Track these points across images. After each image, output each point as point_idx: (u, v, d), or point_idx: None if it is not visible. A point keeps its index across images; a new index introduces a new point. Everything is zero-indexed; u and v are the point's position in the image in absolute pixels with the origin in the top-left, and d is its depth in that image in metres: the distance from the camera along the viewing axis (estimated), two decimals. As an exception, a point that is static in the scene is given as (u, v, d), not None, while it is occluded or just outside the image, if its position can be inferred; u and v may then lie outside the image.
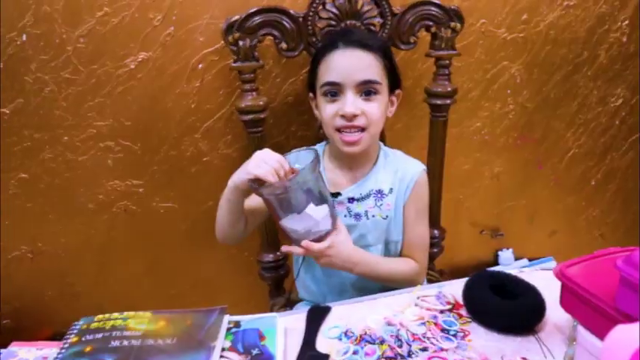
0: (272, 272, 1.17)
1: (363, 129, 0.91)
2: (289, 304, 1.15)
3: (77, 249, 1.28)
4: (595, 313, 0.54)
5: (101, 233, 1.28)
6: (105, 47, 1.11)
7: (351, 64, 0.90)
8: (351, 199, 0.99)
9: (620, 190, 1.67)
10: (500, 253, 1.64)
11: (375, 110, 0.92)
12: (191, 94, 1.19)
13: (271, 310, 1.17)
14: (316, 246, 0.84)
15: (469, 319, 0.72)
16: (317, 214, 0.82)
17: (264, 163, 0.82)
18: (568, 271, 0.58)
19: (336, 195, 0.98)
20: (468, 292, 0.73)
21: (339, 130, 0.92)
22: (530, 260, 1.67)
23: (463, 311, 0.73)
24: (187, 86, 1.18)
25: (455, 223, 1.56)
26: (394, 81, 0.97)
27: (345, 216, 0.99)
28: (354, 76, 0.90)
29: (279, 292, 1.21)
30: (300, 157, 0.94)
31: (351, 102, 0.90)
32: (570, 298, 0.58)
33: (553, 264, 1.70)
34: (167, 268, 1.36)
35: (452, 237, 1.56)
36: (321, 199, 0.83)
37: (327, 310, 0.76)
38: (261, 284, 1.24)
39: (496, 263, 1.65)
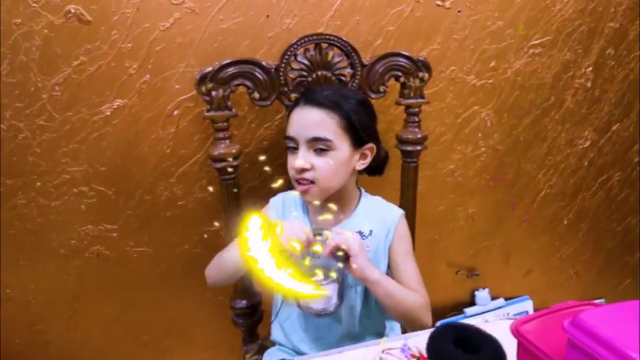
0: (245, 318, 1.17)
1: (312, 181, 0.95)
2: (262, 351, 1.14)
3: (48, 295, 1.26)
4: (548, 372, 0.55)
5: (73, 279, 1.26)
6: (80, 95, 1.12)
7: (303, 121, 0.95)
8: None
9: (592, 229, 1.71)
10: (476, 292, 1.65)
11: (324, 165, 0.94)
12: (166, 140, 1.21)
13: (244, 358, 1.16)
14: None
15: (433, 373, 0.72)
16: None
17: (293, 234, 0.87)
18: (523, 328, 0.59)
19: (319, 234, 0.99)
20: (431, 345, 0.73)
21: (295, 180, 0.97)
22: (506, 299, 1.69)
23: (427, 364, 0.74)
24: (162, 132, 1.20)
25: (431, 264, 1.57)
26: (358, 136, 0.98)
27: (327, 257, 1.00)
28: (305, 132, 0.94)
29: (252, 338, 1.20)
30: (286, 200, 1.02)
31: (301, 156, 0.94)
32: (525, 355, 0.59)
33: (529, 303, 1.72)
34: (140, 314, 1.34)
35: (428, 277, 1.55)
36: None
37: (292, 364, 0.76)
38: (235, 329, 1.23)
39: (473, 303, 1.66)
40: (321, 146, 0.94)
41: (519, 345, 0.60)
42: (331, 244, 0.88)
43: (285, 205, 1.09)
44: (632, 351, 0.45)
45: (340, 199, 1.03)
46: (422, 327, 0.96)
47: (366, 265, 0.91)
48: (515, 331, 0.59)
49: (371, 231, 1.03)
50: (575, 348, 0.50)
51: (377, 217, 1.05)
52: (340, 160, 0.96)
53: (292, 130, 0.96)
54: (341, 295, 0.90)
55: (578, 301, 0.68)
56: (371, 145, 1.02)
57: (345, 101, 0.96)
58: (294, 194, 1.09)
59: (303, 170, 0.94)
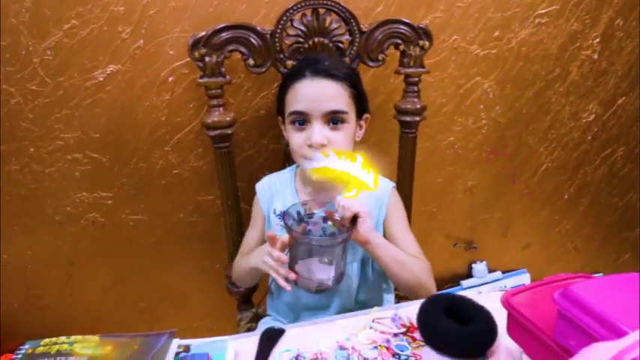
0: (239, 287, 1.17)
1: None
2: (257, 319, 1.15)
3: (44, 261, 1.26)
4: (537, 343, 0.55)
5: (68, 245, 1.26)
6: (72, 59, 1.10)
7: (318, 94, 0.91)
8: (325, 219, 0.99)
9: (592, 204, 1.69)
10: (474, 265, 1.65)
11: (342, 139, 0.93)
12: (161, 107, 1.19)
13: (238, 325, 1.17)
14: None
15: (422, 343, 0.72)
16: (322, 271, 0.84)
17: (266, 265, 0.87)
18: (513, 300, 0.58)
19: (310, 215, 0.98)
20: (421, 315, 0.73)
21: (306, 157, 0.93)
22: (504, 272, 1.69)
23: (417, 334, 0.74)
24: (157, 99, 1.18)
25: (429, 236, 1.57)
26: (362, 107, 0.98)
27: (321, 236, 0.99)
28: (321, 106, 0.90)
29: (246, 306, 1.20)
30: (272, 184, 0.99)
31: (317, 132, 0.90)
32: (515, 326, 0.58)
33: (527, 276, 1.72)
34: (136, 281, 1.35)
35: (425, 249, 1.54)
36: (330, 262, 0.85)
37: (281, 332, 0.76)
38: (230, 297, 1.23)
39: (470, 275, 1.66)
40: (337, 119, 0.92)
41: (509, 316, 0.59)
42: (346, 214, 0.85)
43: (273, 189, 1.07)
44: (621, 322, 0.44)
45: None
46: (425, 292, 0.95)
47: (372, 228, 0.90)
48: (506, 302, 0.59)
49: None
50: (565, 319, 0.49)
51: (368, 193, 1.02)
52: (351, 132, 0.96)
53: (302, 104, 0.91)
54: (339, 271, 0.88)
55: (570, 274, 0.67)
56: (367, 115, 1.01)
57: (349, 71, 0.95)
58: (279, 177, 1.08)
59: (321, 146, 0.91)
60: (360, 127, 1.01)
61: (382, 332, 0.74)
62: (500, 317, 0.71)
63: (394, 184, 1.07)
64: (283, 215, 0.85)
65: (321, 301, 1.03)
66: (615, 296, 0.51)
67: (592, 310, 0.48)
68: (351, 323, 0.77)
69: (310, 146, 0.91)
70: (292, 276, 0.83)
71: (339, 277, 0.86)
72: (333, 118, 0.91)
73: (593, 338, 0.48)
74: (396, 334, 0.74)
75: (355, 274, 1.03)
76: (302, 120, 0.93)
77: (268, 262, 0.86)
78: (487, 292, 0.85)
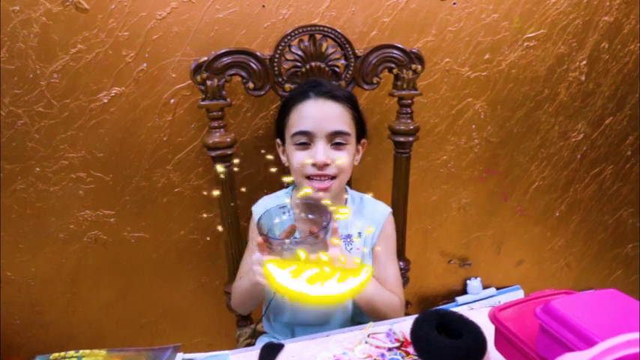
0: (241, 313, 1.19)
1: (332, 177, 0.95)
2: (255, 336, 1.17)
3: (47, 278, 1.29)
4: (522, 356, 0.58)
5: (72, 262, 1.29)
6: (78, 82, 1.14)
7: (322, 114, 0.94)
8: (312, 235, 1.02)
9: (583, 221, 1.73)
10: (468, 282, 1.68)
11: (345, 159, 0.95)
12: (163, 128, 1.22)
13: (237, 341, 1.19)
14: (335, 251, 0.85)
15: (415, 357, 0.75)
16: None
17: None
18: (500, 315, 0.62)
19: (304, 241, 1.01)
20: (415, 330, 0.76)
21: (308, 177, 0.95)
22: (498, 289, 1.71)
23: (411, 349, 0.77)
24: (159, 120, 1.21)
25: (423, 253, 1.60)
26: (361, 130, 1.02)
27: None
28: (326, 126, 0.93)
29: (246, 322, 1.23)
30: (268, 205, 0.99)
31: (322, 151, 0.93)
32: (502, 340, 0.61)
33: (521, 292, 1.75)
34: (137, 298, 1.37)
35: (421, 266, 1.60)
36: None
37: (280, 347, 0.79)
38: (229, 313, 1.26)
39: (465, 292, 1.69)
40: (340, 140, 0.95)
41: (496, 330, 0.63)
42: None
43: (271, 213, 1.09)
44: (596, 335, 0.48)
45: (332, 200, 1.01)
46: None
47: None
48: (493, 317, 0.62)
49: (360, 233, 1.04)
50: (546, 333, 0.52)
51: (365, 218, 1.05)
52: (352, 154, 0.99)
53: (308, 124, 0.94)
54: None
55: (555, 290, 0.70)
56: (364, 140, 1.05)
57: (351, 95, 0.99)
58: (275, 200, 1.09)
59: (325, 165, 0.93)
60: (358, 151, 1.04)
61: (377, 347, 0.77)
62: (490, 332, 0.74)
63: (391, 210, 1.09)
64: (258, 223, 0.84)
65: (318, 319, 1.06)
66: (593, 311, 0.54)
67: (569, 323, 0.51)
68: (347, 338, 0.80)
69: (314, 165, 0.94)
70: None
71: None
72: (337, 139, 0.94)
73: (572, 350, 0.51)
74: (390, 349, 0.77)
75: (351, 301, 1.04)
76: (305, 140, 0.95)
77: (257, 271, 0.84)
78: (479, 308, 0.88)
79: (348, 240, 1.03)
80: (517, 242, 1.69)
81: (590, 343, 0.48)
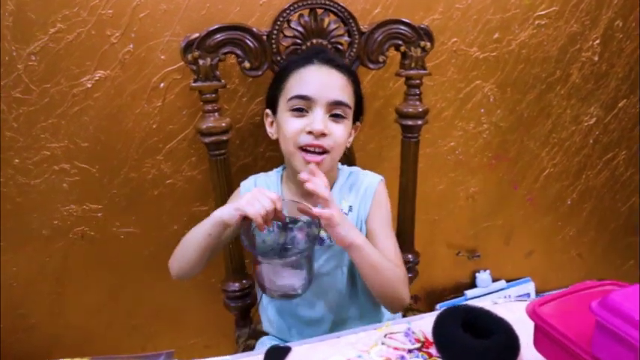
0: (238, 302, 1.11)
1: (326, 151, 0.87)
2: (256, 336, 1.09)
3: (30, 278, 1.20)
4: (571, 357, 0.50)
5: (56, 261, 1.20)
6: (59, 65, 1.05)
7: (325, 80, 0.88)
8: (310, 224, 0.94)
9: (595, 210, 1.66)
10: (477, 274, 1.60)
11: (342, 133, 0.89)
12: (152, 114, 1.14)
13: (237, 342, 1.11)
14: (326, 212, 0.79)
15: (439, 359, 0.67)
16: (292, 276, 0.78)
17: (257, 201, 0.78)
18: (541, 310, 0.54)
19: (295, 222, 0.93)
20: (437, 329, 0.68)
21: (302, 148, 0.87)
22: (507, 281, 1.64)
23: (433, 350, 0.69)
24: (148, 106, 1.13)
25: (431, 245, 1.53)
26: (358, 111, 0.95)
27: (306, 242, 0.94)
28: (328, 93, 0.87)
29: (245, 322, 1.14)
30: (258, 182, 0.96)
31: (320, 119, 0.86)
32: (544, 340, 0.53)
33: (531, 284, 1.68)
34: (128, 297, 1.29)
35: (428, 259, 1.52)
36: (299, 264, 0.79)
37: (287, 350, 0.70)
38: (227, 312, 1.18)
39: (474, 285, 1.62)
40: (339, 112, 0.88)
41: (537, 328, 0.55)
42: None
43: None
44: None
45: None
46: (398, 302, 0.91)
47: (348, 233, 0.83)
48: (533, 313, 0.54)
49: (350, 207, 0.97)
50: (605, 330, 0.44)
51: (355, 190, 0.98)
52: (348, 131, 0.92)
53: (309, 88, 0.87)
54: (310, 275, 0.81)
55: (596, 281, 0.62)
56: (359, 123, 0.99)
57: (353, 70, 0.93)
58: (266, 178, 1.02)
59: (322, 135, 0.85)
60: (351, 133, 0.96)
61: (395, 348, 0.69)
62: (521, 329, 0.66)
63: (382, 178, 1.01)
64: (241, 230, 0.78)
65: (316, 313, 0.98)
66: (654, 304, 0.47)
67: (634, 319, 0.43)
68: (361, 339, 0.72)
69: (310, 133, 0.85)
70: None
71: (308, 283, 0.80)
72: (336, 110, 0.88)
73: (635, 349, 0.44)
74: (410, 350, 0.69)
75: (345, 278, 0.98)
76: (303, 107, 0.87)
77: (262, 201, 0.77)
78: (504, 302, 0.80)
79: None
80: (527, 232, 1.62)
81: (661, 342, 0.41)
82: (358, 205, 0.97)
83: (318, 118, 0.85)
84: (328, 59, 0.90)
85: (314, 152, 0.87)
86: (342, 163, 1.05)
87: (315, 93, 0.86)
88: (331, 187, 0.98)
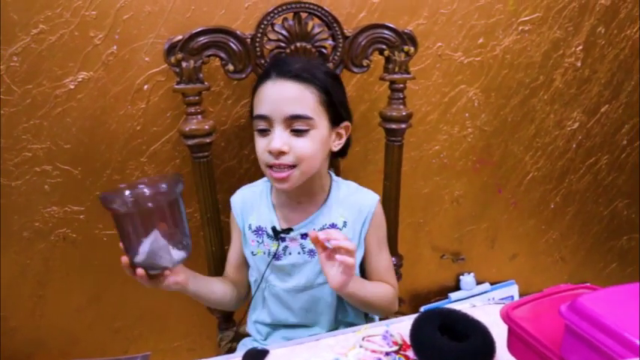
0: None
1: (292, 165, 0.86)
2: (238, 339, 1.09)
3: (11, 281, 1.19)
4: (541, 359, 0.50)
5: (38, 263, 1.19)
6: (41, 66, 1.04)
7: (279, 96, 0.84)
8: (304, 235, 0.94)
9: (579, 213, 1.68)
10: (461, 277, 1.61)
11: (306, 147, 0.85)
12: (136, 116, 1.13)
13: (219, 345, 1.11)
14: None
15: (416, 362, 0.67)
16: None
17: None
18: (514, 314, 0.54)
19: (288, 231, 0.93)
20: (415, 332, 0.68)
21: (269, 166, 0.87)
22: (492, 284, 1.65)
23: (410, 353, 0.69)
24: (132, 108, 1.12)
25: (416, 248, 1.53)
26: (337, 113, 0.90)
27: (299, 253, 0.94)
28: (283, 109, 0.83)
29: (228, 325, 1.14)
30: (246, 198, 0.97)
31: (278, 136, 0.83)
32: (517, 343, 0.54)
33: (515, 287, 1.69)
34: (111, 300, 1.27)
35: (413, 262, 1.53)
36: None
37: (265, 353, 0.70)
38: (210, 315, 1.17)
39: (458, 288, 1.63)
40: (300, 125, 0.84)
41: (510, 331, 0.55)
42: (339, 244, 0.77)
43: (247, 203, 1.01)
44: (634, 336, 0.41)
45: (311, 187, 0.94)
46: (387, 314, 1.01)
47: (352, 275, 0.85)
48: (506, 317, 0.55)
49: (345, 222, 0.96)
50: (573, 334, 0.45)
51: (351, 206, 0.97)
52: (321, 140, 0.88)
53: (265, 107, 0.85)
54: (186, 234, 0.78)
55: (570, 284, 0.63)
56: (347, 123, 0.94)
57: (320, 74, 0.87)
58: (254, 189, 1.02)
59: (280, 153, 0.84)
60: (339, 135, 0.94)
61: (373, 351, 0.69)
62: (498, 332, 0.67)
63: (379, 197, 1.01)
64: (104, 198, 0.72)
65: (301, 318, 0.99)
66: (623, 308, 0.47)
67: (602, 323, 0.44)
68: (339, 342, 0.73)
69: (271, 153, 0.84)
70: (124, 259, 0.76)
71: (187, 244, 0.77)
72: (295, 125, 0.84)
73: (603, 352, 0.44)
74: (388, 353, 0.69)
75: (334, 293, 0.97)
76: (265, 126, 0.86)
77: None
78: (482, 305, 0.81)
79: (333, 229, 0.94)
80: (511, 236, 1.63)
81: (627, 344, 0.41)
82: (353, 221, 0.96)
83: (275, 137, 0.83)
84: (285, 71, 0.85)
85: (280, 169, 0.86)
86: (330, 168, 1.03)
87: (270, 111, 0.84)
88: (324, 200, 0.97)
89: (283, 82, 0.84)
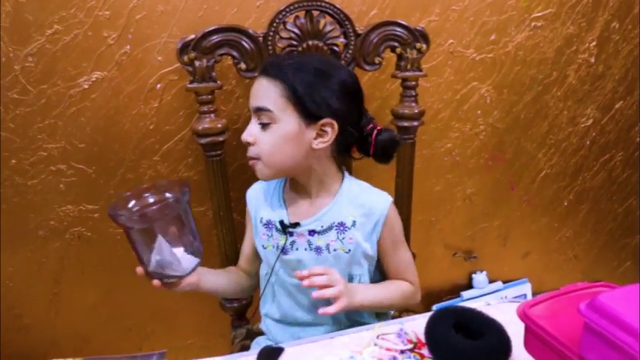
0: (233, 302, 1.11)
1: (257, 158, 0.90)
2: (251, 336, 1.09)
3: (27, 279, 1.20)
4: (559, 358, 0.50)
5: (53, 261, 1.20)
6: (56, 66, 1.05)
7: (255, 90, 0.89)
8: (311, 232, 0.94)
9: (592, 211, 1.66)
10: (474, 275, 1.60)
11: (265, 140, 0.87)
12: (149, 115, 1.14)
13: (232, 343, 1.11)
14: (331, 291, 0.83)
15: (431, 360, 0.67)
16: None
17: None
18: (531, 312, 0.54)
19: (295, 225, 0.93)
20: (430, 330, 0.68)
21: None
22: (504, 282, 1.65)
23: (425, 351, 0.69)
24: (145, 107, 1.13)
25: (427, 246, 1.53)
26: (311, 110, 0.86)
27: (306, 249, 0.94)
28: (252, 102, 0.89)
29: (241, 322, 1.15)
30: (261, 189, 0.98)
31: (248, 128, 0.90)
32: (534, 341, 0.54)
33: (528, 286, 1.68)
34: (124, 298, 1.29)
35: (425, 260, 1.53)
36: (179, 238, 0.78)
37: (280, 351, 0.71)
38: (223, 313, 1.18)
39: (470, 286, 1.62)
40: (264, 118, 0.87)
41: (527, 329, 0.55)
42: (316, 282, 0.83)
43: (260, 197, 1.02)
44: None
45: (316, 184, 0.94)
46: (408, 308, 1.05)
47: (354, 299, 0.88)
48: (523, 315, 0.54)
49: (354, 222, 0.94)
50: (593, 332, 0.45)
51: (362, 206, 0.95)
52: (284, 135, 0.86)
53: (250, 101, 0.91)
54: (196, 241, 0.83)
55: (588, 283, 0.62)
56: (328, 120, 0.87)
57: (295, 70, 0.85)
58: (269, 183, 1.02)
59: (247, 144, 0.90)
60: (323, 133, 0.88)
61: (388, 349, 0.69)
62: (513, 331, 0.66)
63: (391, 199, 0.99)
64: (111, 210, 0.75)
65: (313, 316, 0.98)
66: (643, 306, 0.47)
67: (622, 320, 0.44)
68: (354, 340, 0.73)
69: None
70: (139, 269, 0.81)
71: (198, 249, 0.81)
72: (261, 118, 0.88)
73: (623, 350, 0.44)
74: (402, 351, 0.69)
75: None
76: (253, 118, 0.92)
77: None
78: (496, 303, 0.80)
79: (341, 228, 0.94)
80: (524, 234, 1.62)
81: (648, 344, 0.41)
82: (362, 222, 0.95)
83: (247, 128, 0.90)
84: (263, 68, 0.91)
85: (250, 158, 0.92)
86: (339, 168, 1.00)
87: (250, 105, 0.90)
88: (333, 197, 0.96)
89: (260, 78, 0.89)
